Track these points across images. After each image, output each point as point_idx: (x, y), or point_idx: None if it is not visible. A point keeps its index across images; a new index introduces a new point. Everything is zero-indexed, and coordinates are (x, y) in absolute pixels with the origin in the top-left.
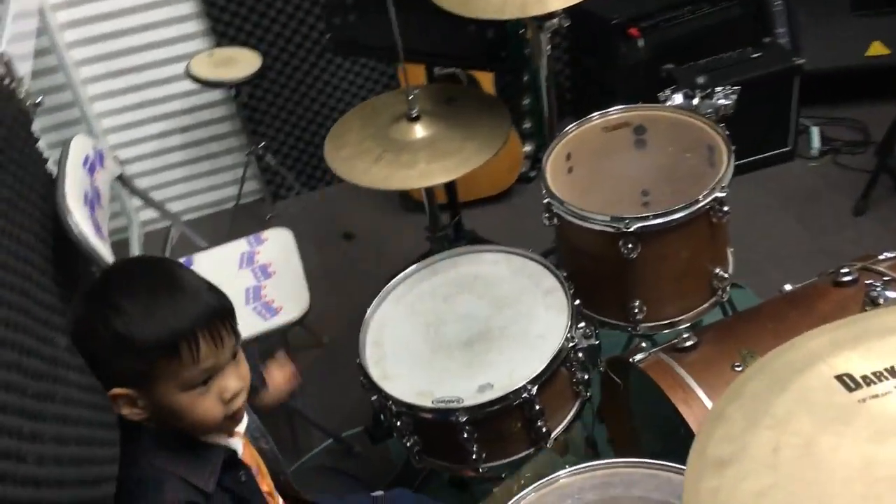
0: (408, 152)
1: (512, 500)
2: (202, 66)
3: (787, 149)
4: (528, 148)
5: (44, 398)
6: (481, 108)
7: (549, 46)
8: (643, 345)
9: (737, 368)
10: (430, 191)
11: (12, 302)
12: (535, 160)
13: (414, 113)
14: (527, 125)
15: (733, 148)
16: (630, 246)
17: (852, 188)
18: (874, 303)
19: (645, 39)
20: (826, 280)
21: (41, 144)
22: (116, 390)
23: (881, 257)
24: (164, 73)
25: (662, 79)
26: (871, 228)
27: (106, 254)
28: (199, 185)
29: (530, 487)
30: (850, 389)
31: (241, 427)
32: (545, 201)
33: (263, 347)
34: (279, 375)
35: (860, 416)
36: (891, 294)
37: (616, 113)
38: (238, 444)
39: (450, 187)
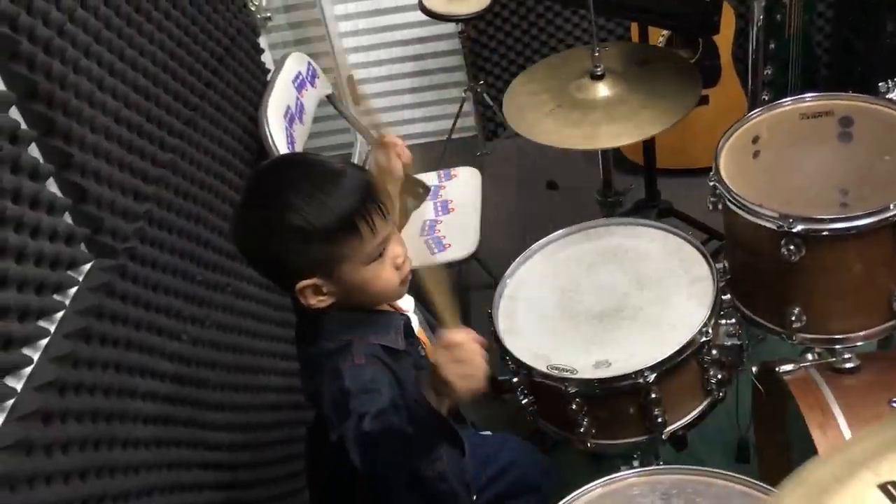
0: (580, 110)
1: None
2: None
3: None
4: None
5: (213, 287)
6: (673, 75)
7: (761, 16)
8: (809, 356)
9: (894, 405)
10: (605, 152)
11: (204, 200)
12: None
13: (598, 71)
14: (765, 96)
15: None
16: (793, 248)
17: None
18: None
19: None
20: None
21: (270, 57)
22: (303, 282)
23: None
24: (401, 0)
25: None
26: None
27: None
28: (419, 114)
29: (608, 477)
30: (893, 500)
31: (409, 305)
32: (711, 183)
33: None
34: (381, 154)
35: None
36: None
37: (813, 100)
38: (413, 317)
39: (647, 150)
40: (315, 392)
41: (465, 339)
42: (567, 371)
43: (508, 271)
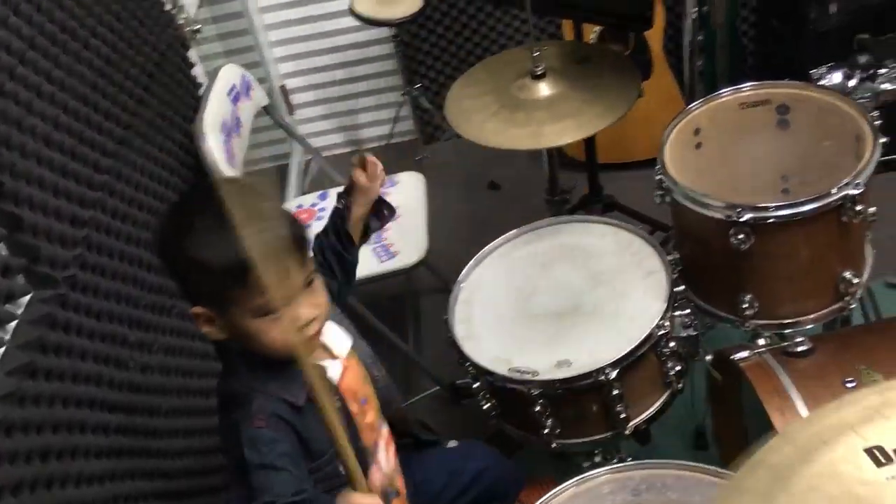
0: (524, 110)
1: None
2: (365, 4)
3: None
4: None
5: (158, 311)
6: (612, 72)
7: (695, 9)
8: (760, 342)
9: (848, 385)
10: (550, 152)
11: (139, 220)
12: None
13: (538, 70)
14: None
15: (883, 140)
16: (742, 237)
17: None
18: None
19: (838, 3)
20: None
21: (201, 70)
22: (196, 308)
23: None
24: (333, 6)
25: (855, 50)
26: None
27: None
28: (355, 120)
29: (580, 477)
30: (879, 464)
31: (342, 350)
32: (657, 177)
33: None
34: (361, 174)
35: (887, 497)
36: None
37: (751, 90)
38: (332, 365)
39: (589, 146)
40: (222, 437)
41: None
42: (529, 373)
43: (462, 275)
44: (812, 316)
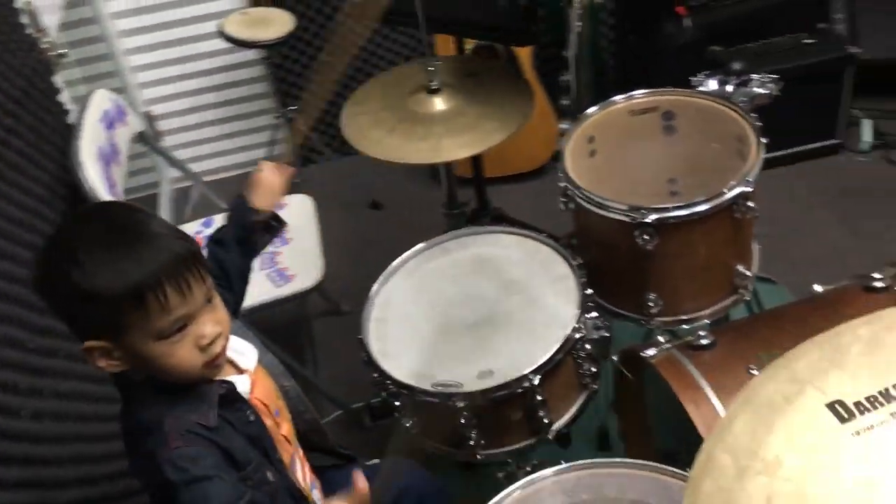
0: (423, 125)
1: (504, 492)
2: (235, 26)
3: (836, 141)
4: (564, 125)
5: (46, 354)
6: (505, 85)
7: (579, 22)
8: (661, 339)
9: (752, 371)
10: (447, 166)
11: (19, 256)
12: None
13: (434, 85)
14: (565, 101)
15: (764, 141)
16: (647, 237)
17: None
18: None
19: (692, 19)
20: (856, 284)
21: (66, 96)
22: (89, 343)
23: None
24: (199, 29)
25: (708, 61)
26: None
27: None
28: (230, 144)
29: (522, 481)
30: (842, 420)
31: (249, 363)
32: (562, 185)
33: None
34: (268, 175)
35: (854, 454)
36: None
37: (642, 97)
38: (240, 380)
39: (476, 162)
40: (139, 475)
41: None
42: (452, 386)
43: (372, 293)
44: (710, 310)
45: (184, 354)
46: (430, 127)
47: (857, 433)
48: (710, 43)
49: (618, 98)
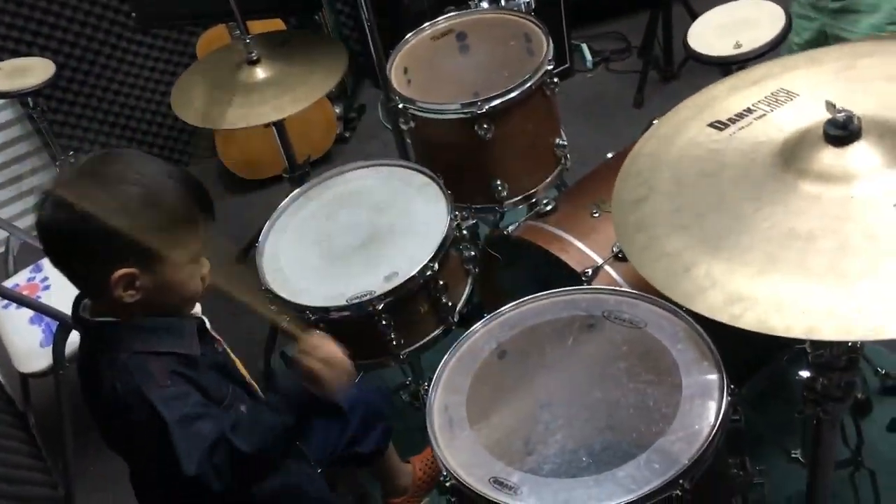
0: (256, 92)
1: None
2: None
3: (566, 66)
4: (338, 110)
5: None
6: (314, 45)
7: None
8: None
9: (594, 215)
10: (283, 136)
11: None
12: (347, 121)
13: (254, 56)
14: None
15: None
16: (486, 126)
17: (628, 88)
18: None
19: None
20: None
21: None
22: (122, 271)
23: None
24: None
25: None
26: (652, 113)
27: None
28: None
29: (455, 343)
30: (720, 129)
31: (198, 309)
32: (400, 106)
33: None
34: None
35: (732, 148)
36: None
37: (442, 22)
38: (205, 318)
39: (284, 142)
40: (127, 433)
41: (322, 342)
42: (366, 295)
43: (258, 253)
44: (545, 182)
45: (197, 281)
46: (263, 92)
47: (733, 134)
48: (446, 4)
49: (424, 26)
